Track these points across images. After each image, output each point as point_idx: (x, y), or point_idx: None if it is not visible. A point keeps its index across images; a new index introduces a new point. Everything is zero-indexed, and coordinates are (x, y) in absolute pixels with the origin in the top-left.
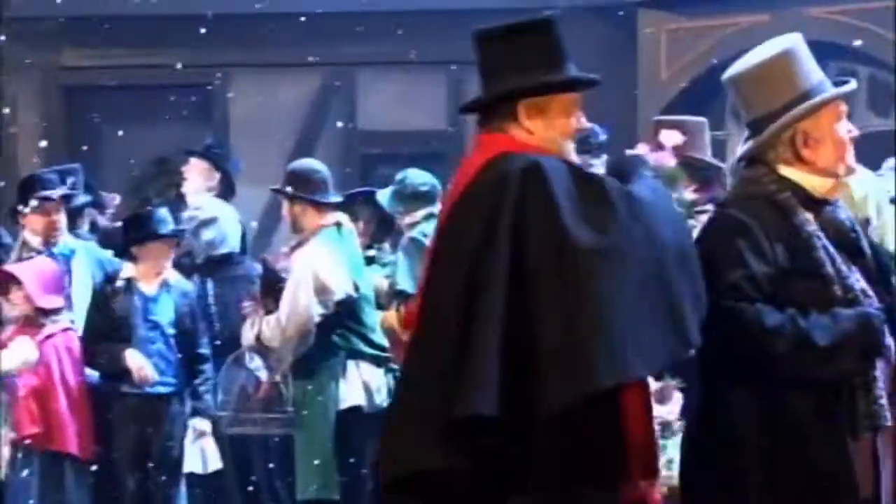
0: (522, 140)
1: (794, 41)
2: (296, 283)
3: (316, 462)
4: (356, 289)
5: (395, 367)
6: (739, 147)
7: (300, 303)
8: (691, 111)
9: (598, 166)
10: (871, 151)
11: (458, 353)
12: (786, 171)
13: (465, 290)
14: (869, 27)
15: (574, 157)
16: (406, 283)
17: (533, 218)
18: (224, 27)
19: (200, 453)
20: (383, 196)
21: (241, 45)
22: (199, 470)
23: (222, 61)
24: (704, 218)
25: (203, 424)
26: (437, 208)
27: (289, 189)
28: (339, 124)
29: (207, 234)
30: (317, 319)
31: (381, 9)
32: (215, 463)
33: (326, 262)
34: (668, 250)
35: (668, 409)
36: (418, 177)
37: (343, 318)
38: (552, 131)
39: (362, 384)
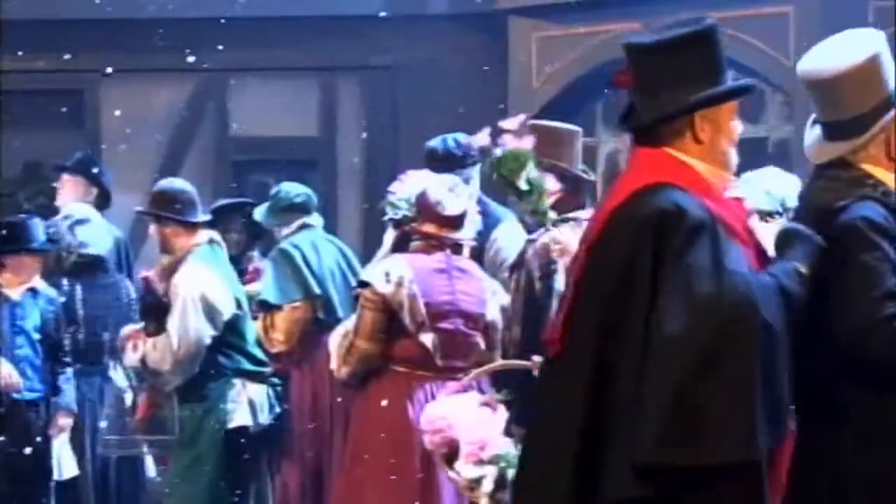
0: (685, 159)
1: (879, 40)
2: (183, 305)
3: (204, 485)
4: (239, 305)
5: (276, 381)
6: (817, 148)
7: (190, 325)
8: (563, 119)
9: (475, 178)
10: (740, 157)
11: (597, 416)
12: (874, 170)
13: (599, 336)
14: (737, 34)
15: (735, 162)
16: (269, 294)
17: (662, 280)
18: (96, 32)
19: (56, 460)
20: (259, 212)
21: (113, 51)
22: (55, 476)
23: (94, 66)
24: (569, 225)
25: (65, 420)
26: (311, 218)
27: (156, 211)
28: (211, 131)
29: (82, 232)
30: (207, 342)
31: (253, 15)
32: (71, 470)
33: (212, 283)
34: (777, 342)
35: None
36: (293, 189)
37: (228, 336)
38: (723, 140)
39: (248, 403)
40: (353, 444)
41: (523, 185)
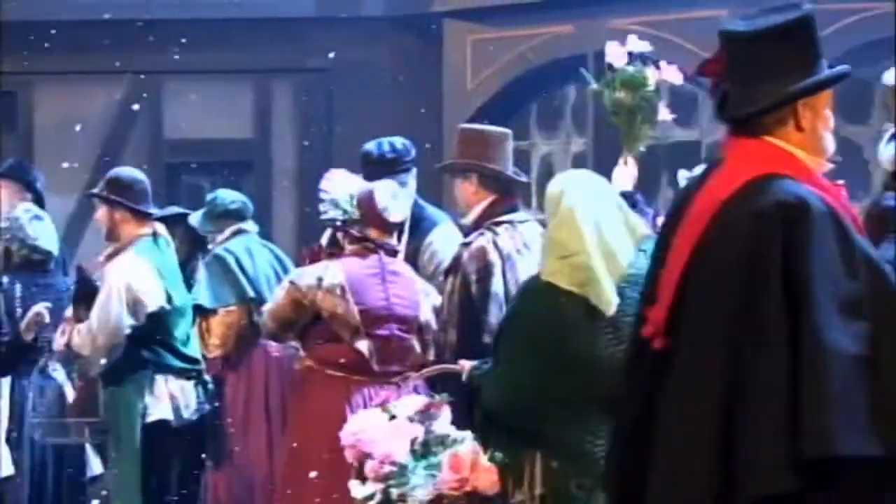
0: (788, 148)
1: None
2: (108, 292)
3: (132, 477)
4: (169, 300)
5: (206, 380)
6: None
7: (112, 313)
8: (497, 121)
9: (411, 183)
10: (674, 161)
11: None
12: None
13: (726, 330)
14: (667, 37)
15: (831, 148)
16: (204, 298)
17: (797, 275)
18: (29, 34)
19: None
20: (195, 218)
21: (46, 53)
22: None
23: (27, 68)
24: (504, 227)
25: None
26: (246, 224)
27: (109, 195)
28: (145, 133)
29: (38, 228)
30: (127, 331)
31: (187, 17)
32: (7, 469)
33: (141, 274)
34: None
35: (440, 424)
36: (228, 196)
37: (154, 330)
38: (821, 127)
39: (169, 398)
40: (292, 450)
41: (608, 106)
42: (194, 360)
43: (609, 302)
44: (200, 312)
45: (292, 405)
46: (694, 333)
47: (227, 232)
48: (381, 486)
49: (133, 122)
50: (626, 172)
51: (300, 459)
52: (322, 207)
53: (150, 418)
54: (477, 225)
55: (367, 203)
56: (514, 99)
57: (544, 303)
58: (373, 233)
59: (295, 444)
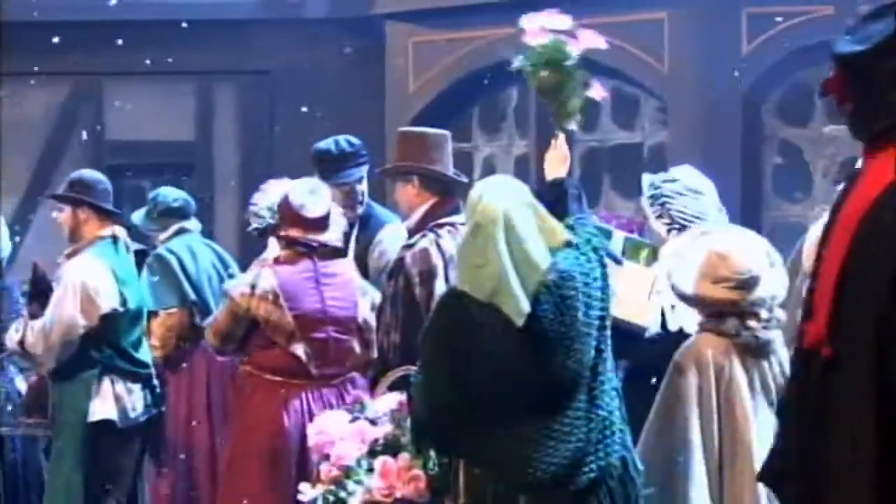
0: None
1: None
2: (63, 292)
3: (63, 473)
4: (124, 303)
5: (154, 383)
6: None
7: (66, 312)
8: (439, 123)
9: (364, 179)
10: (616, 163)
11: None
12: None
13: (881, 329)
14: (611, 40)
15: None
16: (145, 299)
17: None
18: None
19: None
20: (137, 216)
21: None
22: None
23: None
24: (446, 230)
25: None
26: (189, 223)
27: (74, 194)
28: (86, 134)
29: None
30: (80, 331)
31: (129, 18)
32: None
33: (96, 274)
34: None
35: None
36: (170, 193)
37: (106, 331)
38: None
39: (114, 398)
40: (230, 453)
41: (533, 85)
42: (144, 364)
43: (520, 312)
44: None
45: (232, 408)
46: (849, 332)
47: (170, 231)
48: (323, 490)
49: (75, 123)
50: (559, 155)
51: (238, 463)
52: (249, 219)
53: (94, 417)
54: (419, 227)
55: (283, 204)
56: (456, 101)
57: (458, 312)
58: (295, 232)
59: (233, 448)
